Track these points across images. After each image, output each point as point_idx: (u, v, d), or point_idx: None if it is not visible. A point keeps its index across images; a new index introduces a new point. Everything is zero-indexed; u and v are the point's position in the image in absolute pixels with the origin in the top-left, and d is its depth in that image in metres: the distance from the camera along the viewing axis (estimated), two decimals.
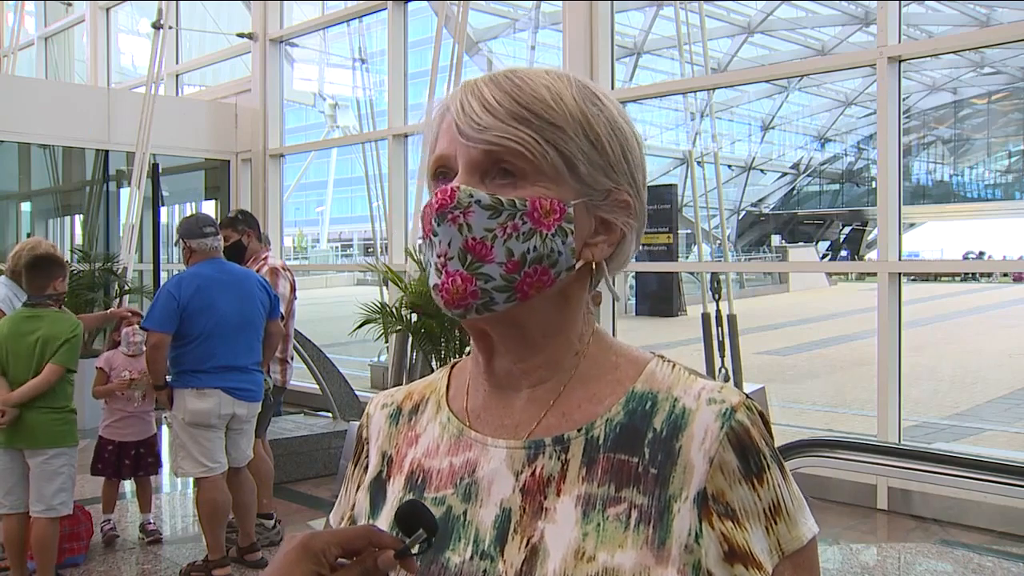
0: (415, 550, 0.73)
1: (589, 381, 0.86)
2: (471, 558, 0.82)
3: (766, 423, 0.82)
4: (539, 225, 0.80)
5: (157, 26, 9.87)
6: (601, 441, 0.82)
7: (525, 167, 0.81)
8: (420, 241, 0.86)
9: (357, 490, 0.96)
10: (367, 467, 0.96)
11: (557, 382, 0.86)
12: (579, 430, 0.83)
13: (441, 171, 0.85)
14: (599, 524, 0.78)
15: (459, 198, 0.80)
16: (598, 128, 0.83)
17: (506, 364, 0.87)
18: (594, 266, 0.84)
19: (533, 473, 0.83)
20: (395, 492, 0.91)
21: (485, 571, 0.80)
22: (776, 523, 0.79)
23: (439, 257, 0.82)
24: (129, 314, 4.85)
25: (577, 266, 0.83)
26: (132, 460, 4.73)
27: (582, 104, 0.83)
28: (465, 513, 0.84)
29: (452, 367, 0.98)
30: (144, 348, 4.39)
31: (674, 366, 0.87)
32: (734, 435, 0.79)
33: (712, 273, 8.89)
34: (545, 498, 0.81)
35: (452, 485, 0.86)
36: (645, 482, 0.79)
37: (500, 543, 0.81)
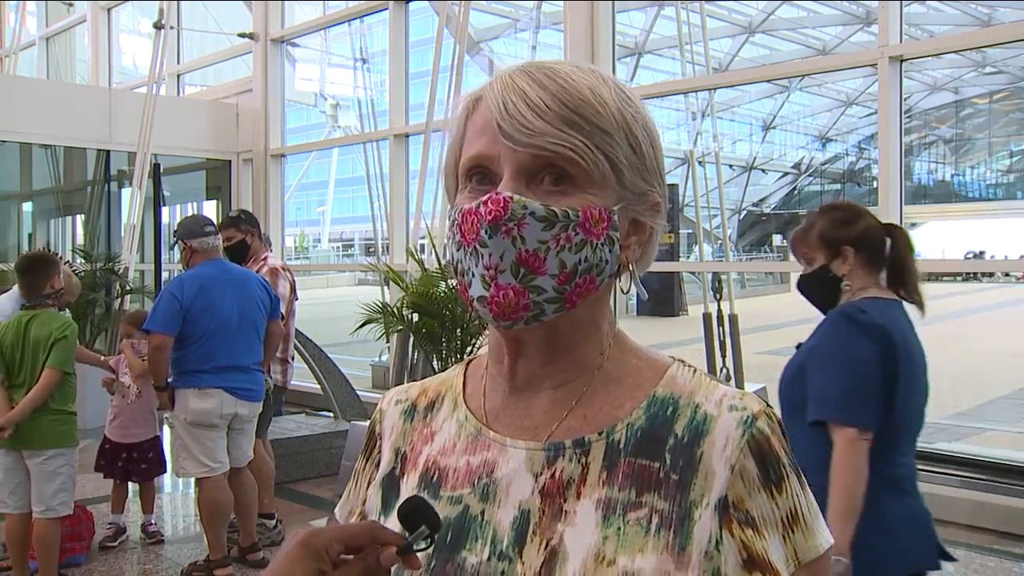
0: (418, 547, 0.73)
1: (610, 383, 0.85)
2: (488, 559, 0.81)
3: (784, 431, 0.82)
4: (590, 235, 0.79)
5: (158, 26, 9.88)
6: (622, 445, 0.81)
7: (577, 174, 0.78)
8: (450, 243, 0.83)
9: (368, 486, 0.95)
10: (379, 463, 0.95)
11: (580, 383, 0.85)
12: (600, 434, 0.82)
13: (477, 171, 0.81)
14: (619, 528, 0.78)
15: (513, 210, 0.77)
16: (637, 132, 0.81)
17: (531, 367, 0.86)
18: (629, 267, 0.84)
19: (553, 475, 0.82)
20: (409, 489, 0.89)
21: (503, 572, 0.80)
22: (793, 532, 0.79)
23: (488, 269, 0.78)
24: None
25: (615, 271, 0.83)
26: (123, 463, 4.71)
27: (622, 107, 0.81)
28: (482, 513, 0.83)
29: (467, 364, 0.97)
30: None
31: (695, 371, 0.86)
32: (755, 443, 0.79)
33: (713, 273, 8.89)
34: (565, 501, 0.81)
35: (469, 484, 0.85)
36: (666, 488, 0.79)
37: (518, 545, 0.81)
